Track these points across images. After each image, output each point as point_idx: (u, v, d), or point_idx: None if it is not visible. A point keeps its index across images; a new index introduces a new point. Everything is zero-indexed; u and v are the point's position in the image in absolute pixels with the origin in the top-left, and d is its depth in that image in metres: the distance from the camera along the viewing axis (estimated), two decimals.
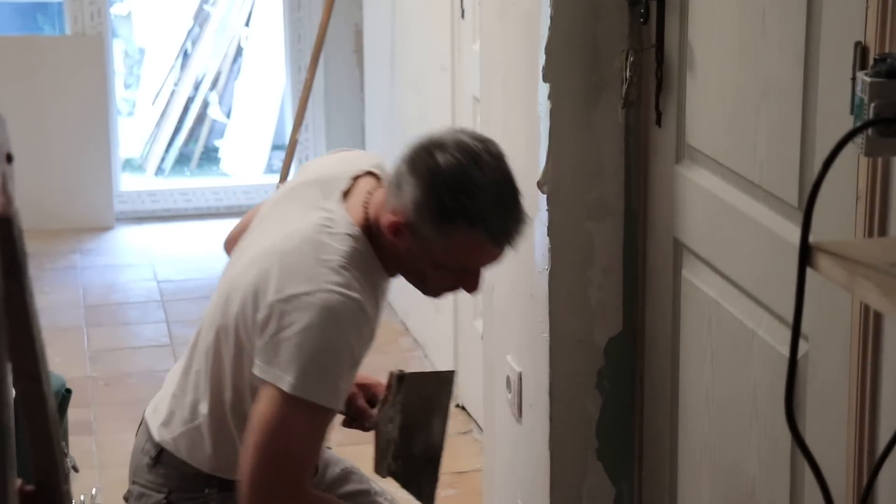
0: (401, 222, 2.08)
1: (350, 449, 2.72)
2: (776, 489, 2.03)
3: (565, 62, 2.43)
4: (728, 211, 2.14)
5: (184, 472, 2.24)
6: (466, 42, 3.97)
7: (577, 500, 2.60)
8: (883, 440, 1.70)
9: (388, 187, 2.12)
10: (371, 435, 2.38)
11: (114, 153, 6.12)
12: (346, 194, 2.20)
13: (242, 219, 2.47)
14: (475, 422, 3.97)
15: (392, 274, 2.19)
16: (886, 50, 1.60)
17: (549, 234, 2.48)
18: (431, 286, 2.19)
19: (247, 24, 7.05)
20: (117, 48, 7.06)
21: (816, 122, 1.83)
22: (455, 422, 3.36)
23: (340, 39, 5.94)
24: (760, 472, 2.08)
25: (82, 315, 5.00)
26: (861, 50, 1.65)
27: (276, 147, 6.91)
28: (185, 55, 7.17)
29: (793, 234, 1.91)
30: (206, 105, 7.11)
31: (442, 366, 4.35)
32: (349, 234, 2.11)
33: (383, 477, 2.35)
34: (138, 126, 7.20)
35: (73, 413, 3.08)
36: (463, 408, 4.08)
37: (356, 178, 2.23)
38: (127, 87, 7.51)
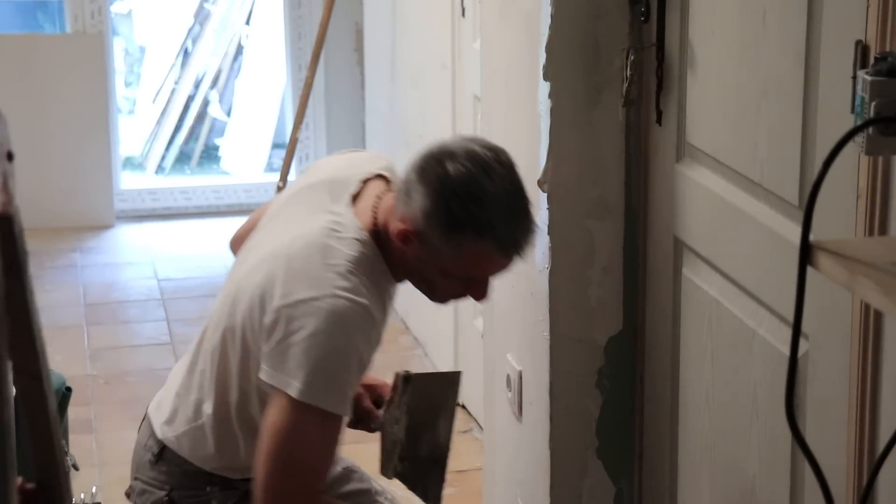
0: (409, 230, 2.06)
1: (352, 447, 2.72)
2: (776, 488, 2.03)
3: (566, 61, 2.43)
4: (728, 210, 2.14)
5: (186, 469, 2.24)
6: (467, 40, 3.97)
7: (577, 498, 2.60)
8: (883, 439, 1.70)
9: (397, 194, 2.10)
10: (376, 436, 2.37)
11: (114, 151, 6.12)
12: (354, 198, 2.18)
13: (250, 217, 2.46)
14: (475, 420, 3.97)
15: (399, 279, 2.18)
16: (887, 48, 1.60)
17: (549, 233, 2.48)
18: (439, 293, 2.17)
19: (247, 23, 7.05)
20: (118, 46, 7.06)
21: (817, 120, 1.83)
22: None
23: (341, 38, 5.94)
24: (760, 471, 2.08)
25: (82, 313, 5.00)
26: (862, 48, 1.65)
27: (276, 145, 6.91)
28: (186, 53, 7.17)
29: (793, 232, 1.91)
30: (206, 103, 7.11)
31: (442, 364, 4.35)
32: (357, 239, 2.10)
33: (389, 478, 2.34)
34: (139, 124, 7.20)
35: (73, 411, 3.08)
36: (463, 406, 4.08)
37: (365, 181, 2.22)
38: (127, 85, 7.51)
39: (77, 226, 5.92)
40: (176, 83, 7.10)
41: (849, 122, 1.48)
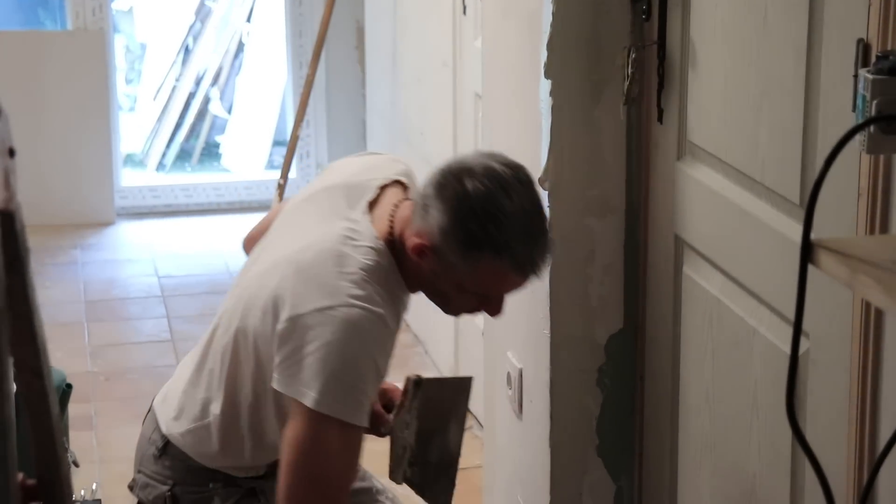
0: (426, 245, 2.04)
1: None
2: (776, 486, 2.03)
3: (567, 59, 2.43)
4: (729, 208, 2.14)
5: (189, 465, 2.24)
6: (468, 38, 3.97)
7: (577, 496, 2.60)
8: (884, 438, 1.70)
9: (414, 207, 2.08)
10: (386, 440, 2.35)
11: (115, 148, 6.12)
12: (371, 204, 2.17)
13: (264, 217, 2.45)
14: (476, 418, 3.97)
15: (413, 290, 2.16)
16: (889, 47, 1.60)
17: (550, 231, 2.48)
18: (453, 307, 2.16)
19: (248, 20, 7.05)
20: (119, 43, 7.06)
21: (818, 119, 1.83)
22: None
23: (342, 35, 5.94)
24: (761, 470, 2.08)
25: (83, 310, 5.01)
26: (863, 47, 1.65)
27: (277, 143, 6.90)
28: (187, 51, 7.16)
29: (794, 231, 1.91)
30: (207, 101, 7.11)
31: (442, 362, 4.35)
32: (372, 247, 2.08)
33: (398, 483, 2.32)
34: (139, 121, 7.20)
35: (73, 408, 3.08)
36: None
37: (383, 188, 2.20)
38: (128, 82, 7.51)
39: (78, 223, 5.92)
40: (177, 80, 7.10)
41: (850, 121, 1.48)
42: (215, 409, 2.18)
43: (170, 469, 2.25)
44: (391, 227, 2.12)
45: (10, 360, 1.21)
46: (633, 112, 2.45)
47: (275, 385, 2.04)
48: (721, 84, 2.14)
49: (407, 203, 2.14)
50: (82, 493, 2.83)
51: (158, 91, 7.18)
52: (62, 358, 4.29)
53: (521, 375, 2.73)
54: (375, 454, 2.45)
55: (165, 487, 2.25)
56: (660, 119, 2.38)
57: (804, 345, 1.87)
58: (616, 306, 2.54)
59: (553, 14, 2.40)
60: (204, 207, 6.29)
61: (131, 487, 2.32)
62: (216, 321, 2.23)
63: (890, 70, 1.38)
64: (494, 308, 2.13)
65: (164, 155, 6.94)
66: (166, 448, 2.25)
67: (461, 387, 2.36)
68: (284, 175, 5.16)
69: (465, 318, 3.98)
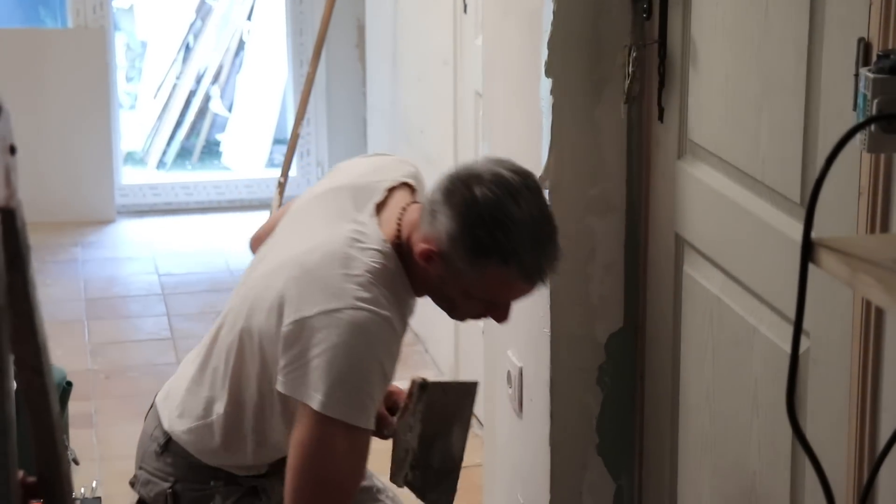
0: (433, 251, 2.04)
1: None
2: (777, 485, 2.03)
3: (568, 57, 2.43)
4: (730, 207, 2.14)
5: (191, 462, 2.24)
6: (469, 37, 3.96)
7: (577, 495, 2.60)
8: (884, 436, 1.70)
9: (422, 213, 2.08)
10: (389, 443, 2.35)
11: (115, 146, 6.12)
12: (379, 206, 2.16)
13: (271, 217, 2.44)
14: (476, 417, 3.97)
15: (420, 294, 2.16)
16: (889, 46, 1.60)
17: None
18: (459, 312, 2.16)
19: (249, 18, 7.05)
20: (119, 41, 7.06)
21: (819, 118, 1.83)
22: None
23: (342, 34, 5.94)
24: (761, 468, 2.08)
25: (83, 308, 5.01)
26: (864, 46, 1.65)
27: (277, 141, 6.91)
28: (187, 49, 7.16)
29: (795, 230, 1.91)
30: (207, 99, 7.11)
31: (442, 360, 4.35)
32: (379, 250, 2.08)
33: (399, 486, 2.31)
34: (140, 119, 7.20)
35: (73, 406, 3.08)
36: None
37: (390, 190, 2.19)
38: (129, 80, 7.51)
39: (78, 221, 5.92)
40: (177, 78, 7.10)
41: (851, 120, 1.48)
42: (219, 408, 2.18)
43: (171, 466, 2.25)
44: (398, 231, 2.11)
45: (11, 358, 1.21)
46: (633, 111, 2.45)
47: (280, 388, 2.03)
48: (722, 83, 2.14)
49: (415, 206, 2.14)
50: (82, 490, 2.83)
51: (159, 89, 7.18)
52: (62, 356, 4.29)
53: (521, 374, 2.73)
54: (376, 452, 2.44)
55: (167, 484, 2.25)
56: (660, 118, 2.38)
57: (804, 344, 1.87)
58: (616, 305, 2.54)
59: (554, 13, 2.40)
60: (204, 205, 6.29)
61: (132, 484, 2.32)
62: (221, 319, 2.22)
63: (891, 69, 1.38)
64: (501, 314, 2.12)
65: (164, 153, 6.94)
66: (168, 445, 2.25)
67: (466, 391, 2.35)
68: (285, 173, 5.16)
69: None
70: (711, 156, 2.21)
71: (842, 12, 1.75)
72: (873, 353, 1.71)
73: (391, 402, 2.36)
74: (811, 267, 1.29)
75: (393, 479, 2.30)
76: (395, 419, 2.31)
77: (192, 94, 7.06)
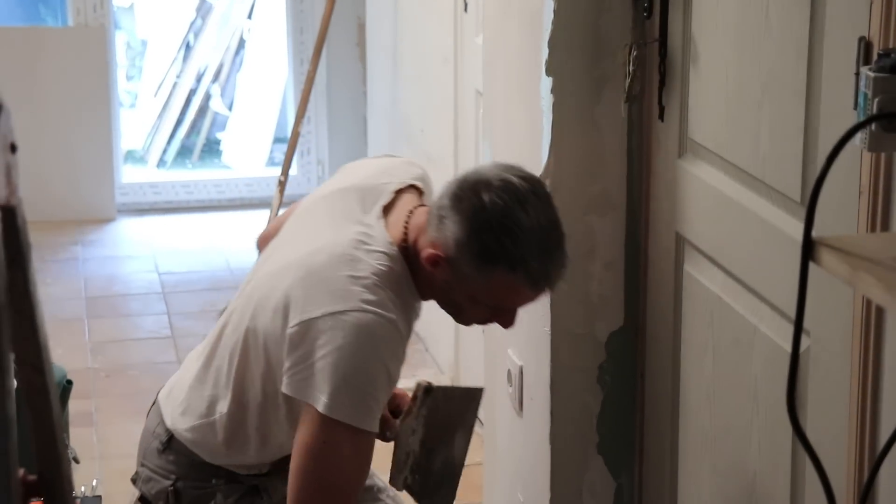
0: (440, 256, 2.03)
1: None
2: (777, 483, 2.03)
3: (568, 56, 2.43)
4: (730, 206, 2.14)
5: (193, 460, 2.24)
6: (469, 35, 3.96)
7: (577, 493, 2.60)
8: (884, 435, 1.70)
9: (429, 217, 2.07)
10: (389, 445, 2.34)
11: (116, 145, 6.12)
12: (386, 209, 2.16)
13: (277, 217, 2.43)
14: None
15: (426, 298, 2.15)
16: (890, 45, 1.60)
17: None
18: (465, 317, 2.16)
19: (249, 17, 7.04)
20: (120, 40, 7.06)
21: (819, 117, 1.83)
22: None
23: (343, 32, 5.94)
24: (761, 467, 2.08)
25: (83, 306, 5.01)
26: (865, 45, 1.65)
27: (277, 140, 6.90)
28: (188, 47, 7.16)
29: (795, 228, 1.91)
30: (208, 97, 7.11)
31: (442, 359, 4.35)
32: (386, 253, 2.08)
33: (398, 490, 2.30)
34: (140, 118, 7.19)
35: (73, 404, 3.08)
36: None
37: (398, 192, 2.19)
38: (129, 78, 7.50)
39: (78, 219, 5.92)
40: (178, 77, 7.10)
41: (851, 119, 1.48)
42: (222, 407, 2.18)
43: (173, 464, 2.25)
44: (405, 234, 2.11)
45: (12, 356, 1.21)
46: (634, 109, 2.45)
47: (285, 389, 2.03)
48: (722, 81, 2.14)
49: (422, 209, 2.14)
50: (83, 489, 2.83)
51: (159, 88, 7.18)
52: (63, 354, 4.29)
53: (521, 373, 2.73)
54: (378, 452, 2.44)
55: (168, 482, 2.25)
56: (661, 116, 2.38)
57: (805, 342, 1.87)
58: (617, 304, 2.54)
59: (554, 11, 2.40)
60: (204, 204, 6.29)
61: (134, 480, 2.32)
62: (225, 318, 2.22)
63: (891, 68, 1.38)
64: (507, 320, 2.12)
65: (164, 151, 6.94)
66: (170, 442, 2.25)
67: (471, 397, 2.34)
68: (285, 172, 5.16)
69: None
70: (712, 154, 2.21)
71: (842, 11, 1.75)
72: (874, 352, 1.71)
73: (394, 405, 2.35)
74: (812, 266, 1.29)
75: (392, 481, 2.30)
76: (397, 422, 2.30)
77: (192, 92, 7.06)
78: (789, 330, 1.92)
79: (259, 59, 7.02)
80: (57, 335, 4.41)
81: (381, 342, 2.01)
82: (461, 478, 2.37)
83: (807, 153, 1.88)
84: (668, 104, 2.35)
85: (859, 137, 1.38)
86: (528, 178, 2.04)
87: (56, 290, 5.08)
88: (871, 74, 1.38)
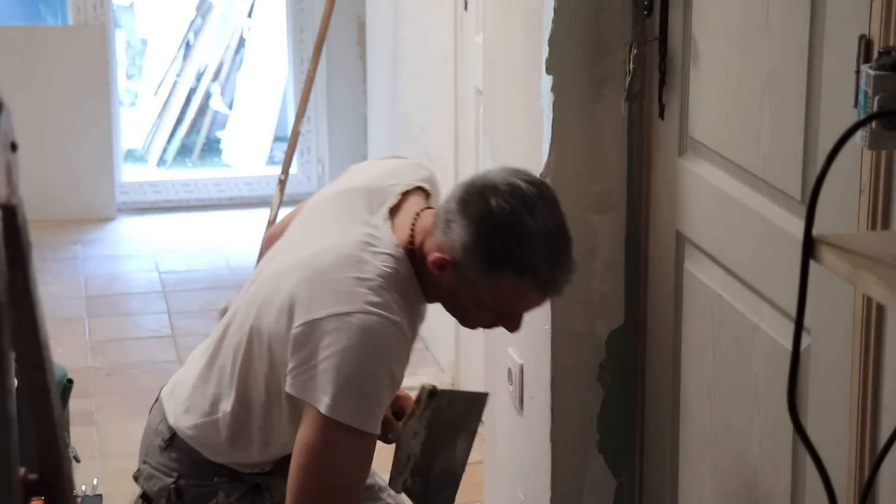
0: (447, 260, 2.03)
1: None
2: (777, 482, 2.03)
3: (568, 54, 2.43)
4: (731, 204, 2.14)
5: (195, 458, 2.24)
6: (469, 34, 3.96)
7: (578, 492, 2.60)
8: (885, 433, 1.70)
9: (436, 220, 2.07)
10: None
11: (116, 144, 6.12)
12: (393, 211, 2.15)
13: (284, 217, 2.42)
14: None
15: (431, 301, 2.15)
16: (891, 43, 1.60)
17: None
18: (471, 321, 2.15)
19: (249, 16, 7.04)
20: (120, 39, 7.06)
21: (820, 115, 1.83)
22: None
23: (343, 31, 5.94)
24: (762, 465, 2.08)
25: (84, 305, 5.01)
26: (865, 43, 1.65)
27: (277, 139, 6.90)
28: (188, 46, 7.16)
29: (795, 227, 1.91)
30: (208, 96, 7.11)
31: (443, 358, 4.35)
32: (392, 255, 2.07)
33: (397, 492, 2.30)
34: (140, 117, 7.19)
35: (74, 403, 3.08)
36: None
37: (405, 194, 2.19)
38: (129, 77, 7.50)
39: (78, 218, 5.92)
40: (178, 76, 7.10)
41: (852, 117, 1.48)
42: (225, 406, 2.18)
43: (175, 461, 2.25)
44: (412, 236, 2.11)
45: (12, 355, 1.21)
46: (634, 108, 2.45)
47: (288, 389, 2.03)
48: (723, 80, 2.14)
49: (429, 212, 2.13)
50: (83, 488, 2.83)
51: (159, 86, 7.17)
52: (63, 353, 4.29)
53: (521, 371, 2.73)
54: (380, 452, 2.43)
55: (170, 480, 2.25)
56: (661, 115, 2.38)
57: (805, 340, 1.87)
58: (617, 302, 2.54)
59: (554, 10, 2.40)
60: (205, 203, 6.29)
61: (136, 478, 2.32)
62: (229, 317, 2.22)
63: (892, 66, 1.38)
64: (513, 324, 2.12)
65: (164, 150, 6.94)
66: (173, 440, 2.25)
67: (475, 402, 2.34)
68: (285, 171, 5.16)
69: None
70: (712, 153, 2.21)
71: (843, 9, 1.75)
72: (874, 350, 1.71)
73: (398, 408, 2.35)
74: (812, 264, 1.29)
75: (391, 483, 2.29)
76: (400, 424, 2.30)
77: (192, 91, 7.06)
78: (790, 328, 1.92)
79: (259, 58, 7.02)
80: (57, 334, 4.41)
81: (386, 345, 2.01)
82: (465, 474, 2.37)
83: (807, 151, 1.88)
84: (669, 102, 2.35)
85: (860, 135, 1.38)
86: (535, 183, 2.03)
87: (56, 289, 5.08)
88: (872, 72, 1.38)
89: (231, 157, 6.95)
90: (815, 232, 1.28)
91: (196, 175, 6.62)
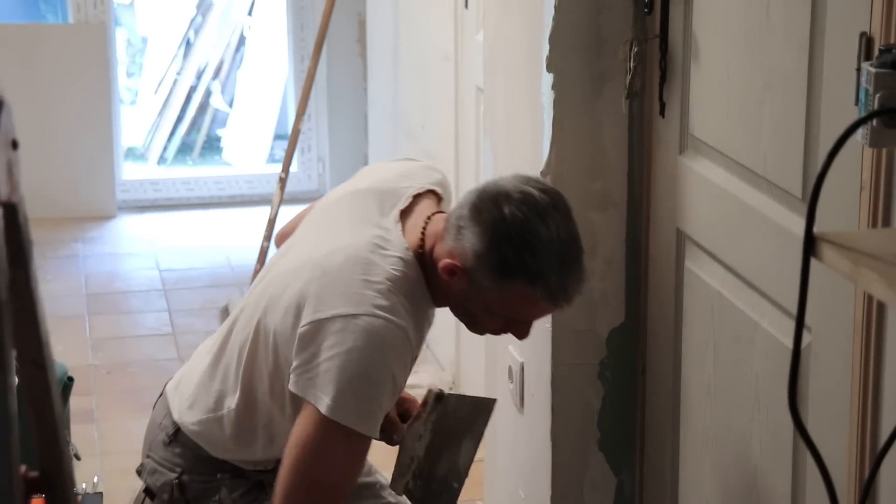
0: (458, 266, 2.03)
1: None
2: (778, 480, 2.03)
3: (569, 52, 2.43)
4: (731, 202, 2.14)
5: (198, 454, 2.24)
6: (470, 32, 3.96)
7: (578, 490, 2.60)
8: (885, 431, 1.70)
9: (447, 226, 2.06)
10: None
11: (116, 142, 6.12)
12: (404, 213, 2.15)
13: (296, 215, 2.42)
14: None
15: (439, 305, 2.15)
16: (891, 41, 1.60)
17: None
18: (480, 327, 2.15)
19: (249, 14, 7.04)
20: (120, 37, 7.06)
21: (821, 112, 1.83)
22: None
23: (343, 29, 5.94)
24: (762, 463, 2.08)
25: (84, 303, 5.01)
26: (866, 41, 1.65)
27: (278, 137, 6.90)
28: (188, 44, 7.16)
29: (796, 224, 1.91)
30: (208, 94, 7.11)
31: (444, 356, 4.35)
32: (401, 258, 2.07)
33: (398, 494, 2.30)
34: (141, 115, 7.19)
35: (74, 401, 3.08)
36: None
37: (416, 196, 2.19)
38: (129, 75, 7.50)
39: (79, 216, 5.92)
40: (178, 74, 7.10)
41: (853, 115, 1.48)
42: (230, 402, 2.18)
43: (179, 457, 2.25)
44: (422, 240, 2.11)
45: (13, 353, 1.21)
46: (634, 106, 2.45)
47: (290, 387, 2.04)
48: (723, 78, 2.14)
49: (440, 216, 2.13)
50: (83, 486, 2.83)
51: (160, 85, 7.17)
52: (63, 351, 4.29)
53: (522, 369, 2.73)
54: (383, 452, 2.44)
55: (173, 475, 2.25)
56: (662, 113, 2.38)
57: (806, 338, 1.87)
58: (617, 300, 2.54)
59: (555, 8, 2.40)
60: (205, 201, 6.29)
61: (139, 472, 2.32)
62: (237, 313, 2.22)
63: (893, 64, 1.38)
64: (522, 331, 2.12)
65: (165, 148, 6.94)
66: (177, 435, 2.25)
67: (482, 407, 2.33)
68: (286, 169, 5.16)
69: None
70: (713, 151, 2.21)
71: (843, 7, 1.75)
72: (875, 348, 1.71)
73: (404, 409, 2.35)
74: (813, 262, 1.29)
75: (393, 485, 2.29)
76: (405, 426, 2.30)
77: (192, 89, 7.06)
78: (790, 326, 1.92)
79: (259, 56, 7.02)
80: (58, 332, 4.41)
81: (390, 348, 2.01)
82: (463, 485, 2.36)
83: (808, 149, 1.88)
84: (669, 100, 2.35)
85: (860, 133, 1.38)
86: (548, 191, 2.03)
87: (57, 287, 5.08)
88: (873, 70, 1.38)
89: (231, 156, 6.95)
90: (815, 229, 1.28)
91: (196, 173, 6.62)
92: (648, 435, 2.55)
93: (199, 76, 7.08)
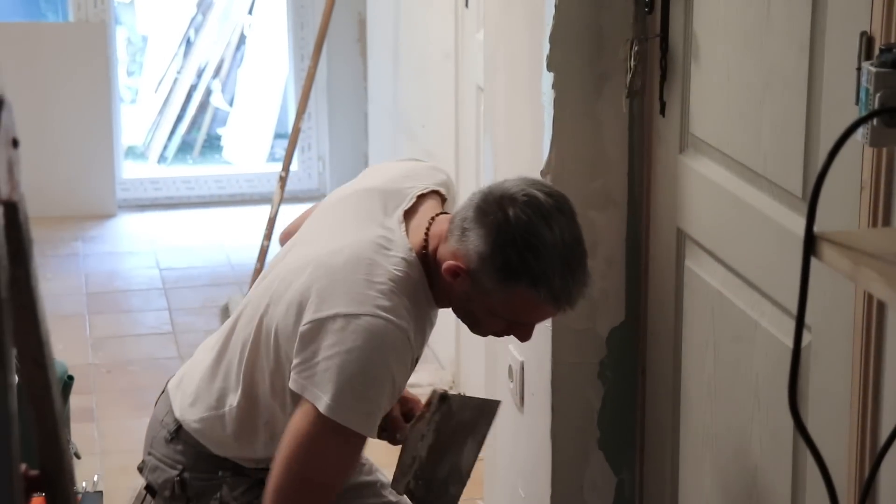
0: (461, 268, 2.02)
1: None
2: (778, 479, 2.03)
3: (570, 51, 2.43)
4: (732, 201, 2.14)
5: (200, 452, 2.24)
6: (470, 31, 3.96)
7: (578, 489, 2.60)
8: (885, 430, 1.70)
9: (451, 228, 2.06)
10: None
11: (116, 141, 6.12)
12: (408, 213, 2.15)
13: (301, 214, 2.43)
14: None
15: (442, 306, 2.15)
16: (892, 40, 1.60)
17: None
18: (482, 329, 2.15)
19: (250, 13, 7.04)
20: (120, 35, 7.06)
21: (821, 112, 1.83)
22: None
23: (344, 28, 5.94)
24: (762, 462, 2.08)
25: (84, 302, 5.01)
26: (866, 40, 1.65)
27: (278, 136, 6.90)
28: (188, 43, 7.16)
29: (797, 224, 1.91)
30: (208, 93, 7.11)
31: (444, 355, 4.35)
32: (405, 259, 2.07)
33: (399, 494, 2.29)
34: (141, 114, 7.19)
35: (74, 400, 3.08)
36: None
37: (420, 197, 2.18)
38: (130, 74, 7.50)
39: (79, 215, 5.92)
40: (178, 73, 7.10)
41: (853, 114, 1.48)
42: (232, 400, 2.18)
43: (181, 454, 2.25)
44: (426, 241, 2.10)
45: (13, 352, 1.21)
46: (635, 105, 2.45)
47: (290, 385, 2.04)
48: (724, 77, 2.14)
49: (444, 217, 2.13)
50: (84, 484, 2.83)
51: (160, 83, 7.17)
52: (63, 350, 4.29)
53: (522, 368, 2.73)
54: (385, 452, 2.44)
55: (175, 472, 2.25)
56: (662, 112, 2.38)
57: (806, 338, 1.87)
58: (618, 299, 2.54)
59: (555, 6, 2.40)
60: (205, 200, 6.29)
61: (141, 469, 2.33)
62: (240, 310, 2.22)
63: (893, 63, 1.38)
64: (524, 334, 2.12)
65: (165, 147, 6.94)
66: (178, 433, 2.25)
67: (486, 409, 2.33)
68: (286, 168, 5.16)
69: None
70: (713, 150, 2.21)
71: (844, 6, 1.75)
72: (875, 347, 1.71)
73: (407, 409, 2.35)
74: (813, 261, 1.29)
75: (394, 484, 2.29)
76: (408, 426, 2.30)
77: (193, 88, 7.06)
78: (791, 325, 1.92)
79: (260, 55, 7.02)
80: (58, 331, 4.41)
81: (390, 349, 2.01)
82: (465, 486, 2.36)
83: (808, 148, 1.88)
84: (670, 99, 2.35)
85: (861, 133, 1.38)
86: (552, 194, 2.03)
87: (57, 286, 5.08)
88: (873, 69, 1.38)
89: (232, 154, 6.95)
90: (816, 229, 1.28)
91: (197, 172, 6.62)
92: (648, 434, 2.55)
93: (199, 75, 7.08)
